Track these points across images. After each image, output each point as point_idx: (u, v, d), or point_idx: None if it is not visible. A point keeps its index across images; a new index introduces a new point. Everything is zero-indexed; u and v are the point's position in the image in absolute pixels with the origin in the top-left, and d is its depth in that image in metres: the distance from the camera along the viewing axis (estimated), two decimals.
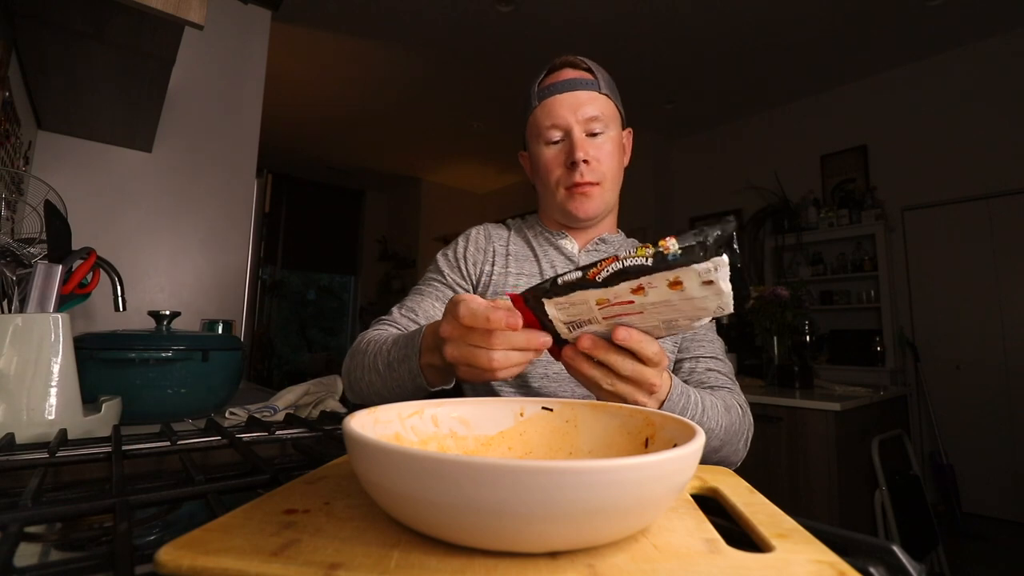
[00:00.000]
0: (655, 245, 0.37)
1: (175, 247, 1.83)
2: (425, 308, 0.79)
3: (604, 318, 0.43)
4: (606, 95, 0.78)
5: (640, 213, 4.62)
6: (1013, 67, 3.15)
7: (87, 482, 0.45)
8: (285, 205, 5.86)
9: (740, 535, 0.27)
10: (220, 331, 1.44)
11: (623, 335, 0.44)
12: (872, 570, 0.24)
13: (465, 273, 0.84)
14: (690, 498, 0.32)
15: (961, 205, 3.28)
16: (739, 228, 4.31)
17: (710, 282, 0.38)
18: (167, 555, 0.21)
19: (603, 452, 0.36)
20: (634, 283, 0.38)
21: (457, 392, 0.82)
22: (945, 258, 3.32)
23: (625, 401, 0.48)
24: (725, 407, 0.67)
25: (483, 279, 0.83)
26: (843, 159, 3.81)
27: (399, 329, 0.75)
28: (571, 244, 0.84)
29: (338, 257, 6.26)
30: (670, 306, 0.41)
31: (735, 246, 0.37)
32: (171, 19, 0.83)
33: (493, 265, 0.83)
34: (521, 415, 0.39)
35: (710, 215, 4.54)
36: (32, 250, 0.74)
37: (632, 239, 0.91)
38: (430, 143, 5.07)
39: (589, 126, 0.75)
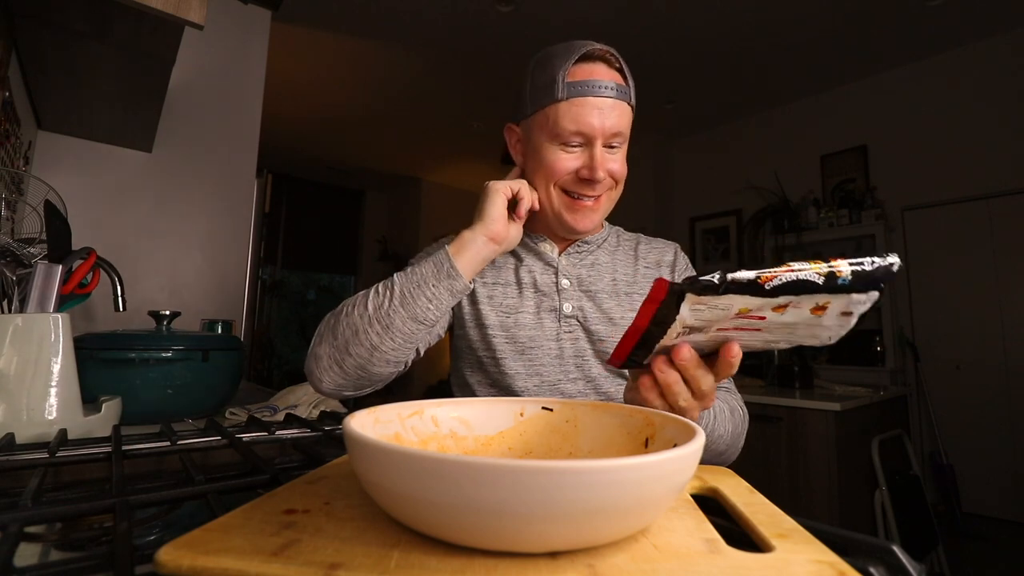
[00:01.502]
0: (826, 262, 0.34)
1: (175, 247, 1.83)
2: None
3: (720, 329, 0.39)
4: (632, 107, 0.72)
5: (640, 213, 4.62)
6: (1013, 67, 3.15)
7: (87, 482, 0.45)
8: (285, 205, 5.86)
9: (740, 535, 0.27)
10: (220, 331, 1.44)
11: (736, 352, 0.41)
12: (872, 570, 0.24)
13: None
14: (690, 498, 0.32)
15: (961, 205, 3.28)
16: (739, 228, 4.31)
17: (849, 314, 0.36)
18: (167, 555, 0.21)
19: (603, 452, 0.36)
20: (786, 299, 0.35)
21: (449, 395, 0.82)
22: (945, 258, 3.32)
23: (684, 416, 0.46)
24: (731, 411, 0.68)
25: None
26: (843, 159, 3.81)
27: None
28: (551, 248, 0.79)
29: (338, 257, 6.26)
30: (791, 328, 0.38)
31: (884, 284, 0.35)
32: (171, 19, 0.83)
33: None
34: (521, 415, 0.39)
35: (710, 215, 4.54)
36: (32, 250, 0.74)
37: (617, 227, 0.87)
38: (430, 143, 5.07)
39: (610, 139, 0.70)
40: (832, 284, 0.34)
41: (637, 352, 0.43)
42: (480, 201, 0.69)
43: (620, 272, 0.80)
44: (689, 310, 0.36)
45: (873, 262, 0.34)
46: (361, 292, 0.67)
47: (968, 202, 3.26)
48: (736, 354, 0.41)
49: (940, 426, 3.17)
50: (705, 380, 0.43)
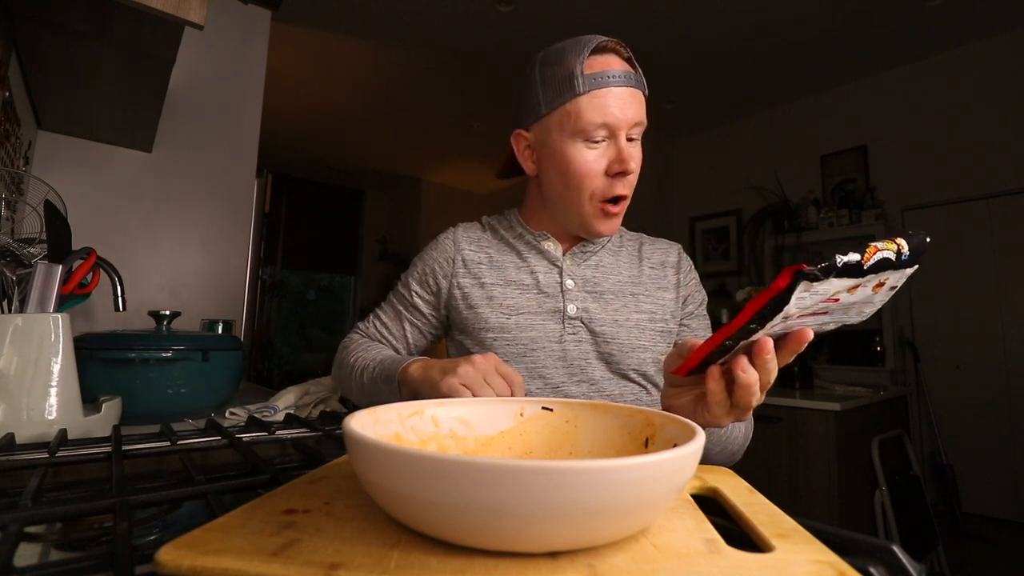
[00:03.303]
0: (893, 240, 0.35)
1: (175, 247, 1.83)
2: (396, 331, 0.84)
3: (799, 316, 0.37)
4: (646, 95, 0.71)
5: (640, 213, 4.61)
6: (1013, 67, 3.15)
7: (87, 482, 0.45)
8: (285, 205, 5.86)
9: (740, 535, 0.27)
10: (220, 331, 1.44)
11: (808, 337, 0.40)
12: (872, 570, 0.24)
13: (432, 287, 0.80)
14: (690, 498, 0.32)
15: (961, 205, 3.28)
16: (739, 228, 4.31)
17: (894, 287, 0.37)
18: (167, 555, 0.21)
19: (603, 452, 0.36)
20: (868, 279, 0.35)
21: None
22: (945, 258, 3.32)
23: (741, 416, 0.45)
24: None
25: (453, 292, 0.78)
26: (843, 159, 3.81)
27: (378, 341, 0.85)
28: (555, 247, 0.78)
29: (338, 257, 6.26)
30: (846, 309, 0.38)
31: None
32: (171, 19, 0.83)
33: (465, 277, 0.78)
34: (521, 415, 0.39)
35: (710, 215, 4.54)
36: (32, 250, 0.74)
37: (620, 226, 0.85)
38: (430, 143, 5.07)
39: (632, 131, 0.68)
40: (899, 260, 0.35)
41: (713, 355, 0.41)
42: (453, 373, 0.57)
43: (625, 273, 0.79)
44: (796, 299, 0.35)
45: (918, 236, 0.36)
46: (352, 348, 0.81)
47: (968, 202, 3.25)
48: (808, 339, 0.40)
49: (940, 426, 3.17)
50: (774, 372, 0.42)
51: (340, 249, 6.27)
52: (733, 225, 4.38)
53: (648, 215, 4.61)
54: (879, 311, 3.00)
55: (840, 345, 3.57)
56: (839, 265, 0.33)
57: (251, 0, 2.10)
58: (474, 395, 0.55)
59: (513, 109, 0.79)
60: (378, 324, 0.86)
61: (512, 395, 0.56)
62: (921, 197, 3.44)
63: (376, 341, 0.85)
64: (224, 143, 1.97)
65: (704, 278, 0.89)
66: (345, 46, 3.44)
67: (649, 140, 4.80)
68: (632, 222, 0.81)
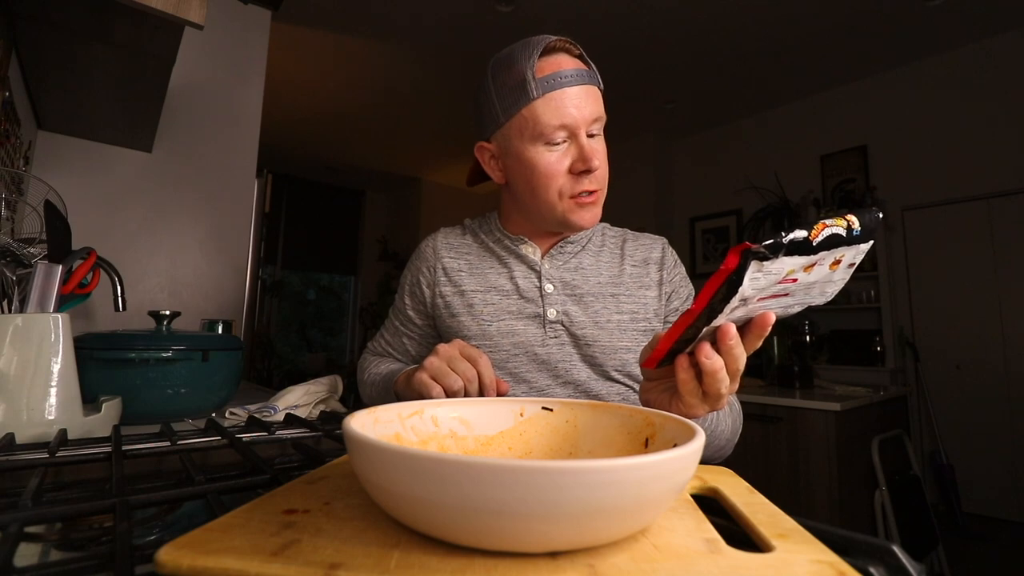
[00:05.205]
0: (843, 217, 0.35)
1: (175, 247, 1.83)
2: (397, 345, 0.89)
3: (759, 299, 0.38)
4: (601, 90, 0.71)
5: (640, 213, 4.62)
6: (1013, 67, 3.15)
7: (87, 482, 0.45)
8: (285, 205, 5.86)
9: (740, 535, 0.27)
10: (220, 331, 1.44)
11: (771, 321, 0.40)
12: (872, 570, 0.24)
13: (420, 297, 0.82)
14: (690, 498, 0.32)
15: (961, 205, 3.28)
16: (739, 228, 4.31)
17: (852, 264, 0.37)
18: (167, 555, 0.21)
19: (603, 452, 0.36)
20: (820, 256, 0.35)
21: None
22: (945, 258, 3.32)
23: (716, 405, 0.44)
24: (729, 406, 0.68)
25: (436, 300, 0.79)
26: (843, 159, 3.82)
27: (385, 356, 0.90)
28: (533, 251, 0.78)
29: (338, 257, 6.26)
30: (807, 289, 0.38)
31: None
32: (171, 19, 0.83)
33: (446, 285, 0.79)
34: (521, 415, 0.39)
35: (710, 215, 4.54)
36: (32, 250, 0.74)
37: (603, 223, 0.84)
38: (430, 143, 5.07)
39: (591, 127, 0.68)
40: (851, 236, 0.36)
41: (679, 344, 0.42)
42: (422, 368, 0.61)
43: (605, 274, 0.78)
44: (749, 279, 0.35)
45: (870, 213, 0.37)
46: (364, 366, 0.86)
47: (968, 202, 3.26)
48: (771, 323, 0.41)
49: (940, 426, 3.17)
50: (742, 358, 0.42)
51: (340, 249, 6.27)
52: (733, 225, 4.38)
53: (648, 215, 4.61)
54: (878, 311, 3.00)
55: (840, 345, 3.57)
56: (785, 242, 0.34)
57: (251, 0, 2.10)
58: (442, 385, 0.57)
59: (475, 124, 0.77)
60: (383, 342, 0.90)
61: (479, 373, 0.59)
62: (921, 197, 3.44)
63: (384, 357, 0.89)
64: (224, 143, 1.97)
65: (704, 278, 0.89)
66: (345, 46, 3.44)
67: (649, 140, 4.81)
68: (632, 222, 0.81)
